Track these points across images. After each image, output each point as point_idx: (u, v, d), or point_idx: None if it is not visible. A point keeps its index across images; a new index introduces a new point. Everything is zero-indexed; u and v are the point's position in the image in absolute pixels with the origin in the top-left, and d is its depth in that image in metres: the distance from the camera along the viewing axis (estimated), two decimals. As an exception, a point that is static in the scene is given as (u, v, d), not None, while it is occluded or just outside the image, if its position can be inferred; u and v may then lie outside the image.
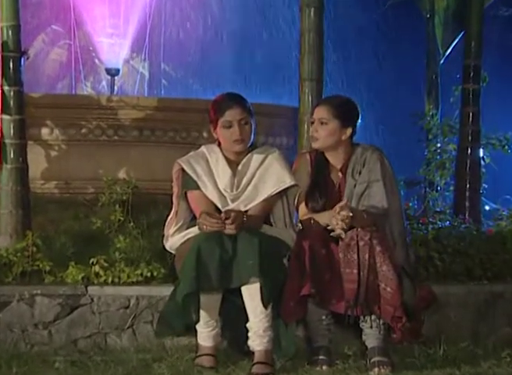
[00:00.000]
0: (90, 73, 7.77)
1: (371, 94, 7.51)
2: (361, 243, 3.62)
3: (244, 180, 3.78)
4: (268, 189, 3.77)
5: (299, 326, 3.77)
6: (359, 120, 3.93)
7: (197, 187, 3.77)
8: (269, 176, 3.79)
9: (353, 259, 3.62)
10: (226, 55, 7.91)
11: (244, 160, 3.82)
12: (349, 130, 3.85)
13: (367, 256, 3.59)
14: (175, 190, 3.82)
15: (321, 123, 3.85)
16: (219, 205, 3.74)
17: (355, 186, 3.83)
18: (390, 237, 3.77)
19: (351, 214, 3.64)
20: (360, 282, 3.57)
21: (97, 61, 7.64)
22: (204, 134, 5.28)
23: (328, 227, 3.71)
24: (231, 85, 7.52)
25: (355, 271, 3.60)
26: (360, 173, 3.83)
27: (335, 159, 3.91)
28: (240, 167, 3.80)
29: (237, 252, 3.52)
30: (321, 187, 3.86)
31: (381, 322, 3.64)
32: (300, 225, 3.88)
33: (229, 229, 3.54)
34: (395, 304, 3.56)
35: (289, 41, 7.50)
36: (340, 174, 3.89)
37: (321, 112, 3.86)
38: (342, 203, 3.69)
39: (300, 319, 3.70)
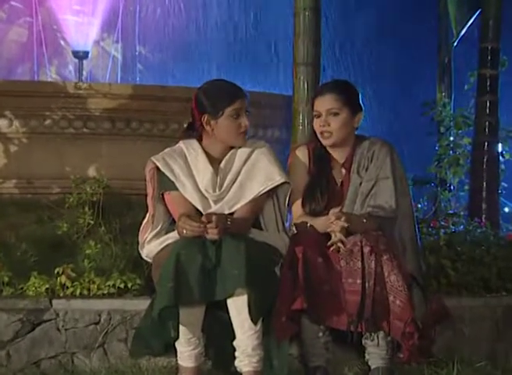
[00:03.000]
0: (54, 55, 7.76)
1: (374, 81, 7.53)
2: (366, 249, 3.63)
3: (228, 179, 3.80)
4: (256, 188, 3.78)
5: (293, 343, 3.80)
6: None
7: (175, 188, 3.79)
8: (256, 173, 3.80)
9: (356, 268, 3.63)
10: (211, 36, 7.91)
11: (228, 156, 3.83)
12: (359, 116, 3.87)
13: (373, 265, 3.60)
14: (149, 191, 3.83)
15: (333, 114, 3.85)
16: (200, 208, 3.76)
17: (361, 184, 3.84)
18: (400, 243, 3.78)
19: (346, 225, 3.64)
20: (366, 294, 3.59)
21: (62, 42, 7.64)
22: (185, 126, 5.30)
23: (329, 242, 3.70)
24: (216, 70, 7.54)
25: (358, 281, 3.61)
26: (367, 170, 3.84)
27: (338, 153, 3.91)
28: (222, 164, 3.82)
29: (221, 260, 3.53)
30: (323, 185, 3.87)
31: (388, 339, 3.66)
32: (293, 229, 3.89)
33: (212, 233, 3.55)
34: (405, 318, 3.57)
35: (281, 21, 7.51)
36: (344, 170, 3.90)
37: (329, 102, 3.84)
38: (336, 210, 3.68)
39: (294, 335, 3.72)
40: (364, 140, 3.91)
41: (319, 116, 3.87)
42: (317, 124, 3.89)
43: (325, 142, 3.88)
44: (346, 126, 3.85)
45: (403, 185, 3.87)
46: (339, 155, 3.92)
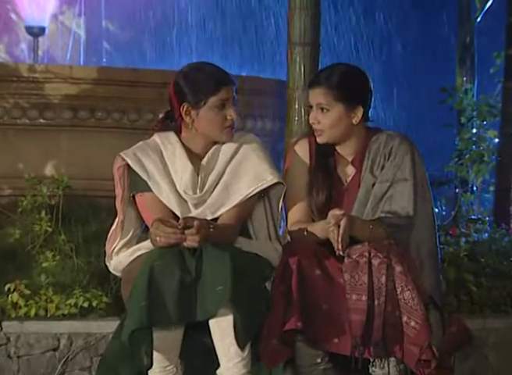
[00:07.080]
0: (4, 32, 7.76)
1: (383, 64, 7.56)
2: (376, 261, 3.64)
3: (211, 179, 3.81)
4: (244, 189, 3.79)
5: (286, 371, 3.81)
6: (371, 93, 3.90)
7: (148, 189, 3.80)
8: (244, 172, 3.81)
9: (361, 282, 3.64)
10: (190, 10, 7.92)
11: (211, 152, 3.84)
12: (359, 110, 3.86)
13: (383, 279, 3.61)
14: (118, 192, 3.84)
15: (322, 110, 3.85)
16: (178, 213, 3.76)
17: (374, 185, 3.84)
18: (416, 257, 3.78)
19: (345, 223, 3.61)
20: (374, 313, 3.60)
21: (14, 16, 7.64)
22: (161, 116, 5.32)
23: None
24: (197, 52, 7.54)
25: (364, 298, 3.61)
26: (382, 169, 3.85)
27: (345, 148, 3.91)
28: (204, 161, 3.83)
29: (203, 274, 3.54)
30: (326, 183, 3.88)
31: (400, 367, 3.66)
32: (287, 237, 3.90)
33: (191, 241, 3.56)
34: (422, 343, 3.56)
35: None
36: (353, 168, 3.91)
37: (317, 96, 3.84)
38: (336, 211, 3.67)
39: (286, 362, 3.72)
40: (378, 133, 3.90)
41: (311, 106, 3.88)
42: (310, 116, 3.91)
43: (318, 140, 3.90)
44: (339, 124, 3.84)
45: (424, 189, 3.86)
46: (345, 150, 3.92)
